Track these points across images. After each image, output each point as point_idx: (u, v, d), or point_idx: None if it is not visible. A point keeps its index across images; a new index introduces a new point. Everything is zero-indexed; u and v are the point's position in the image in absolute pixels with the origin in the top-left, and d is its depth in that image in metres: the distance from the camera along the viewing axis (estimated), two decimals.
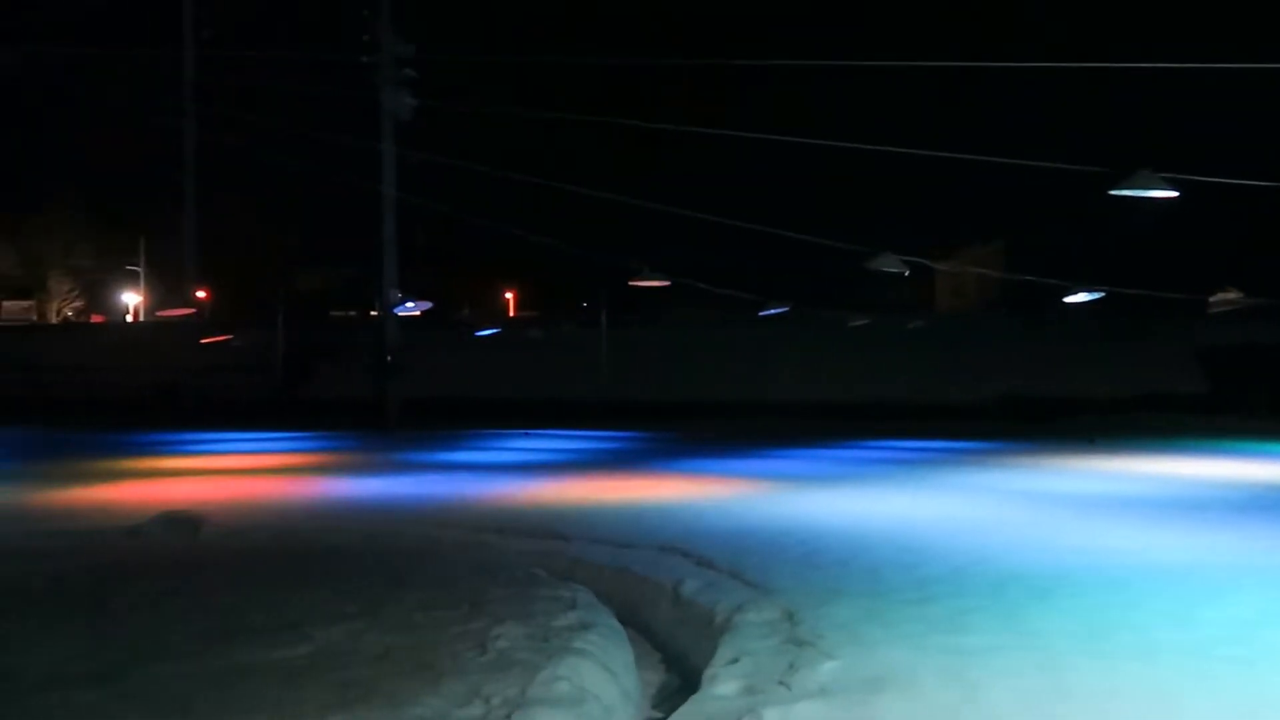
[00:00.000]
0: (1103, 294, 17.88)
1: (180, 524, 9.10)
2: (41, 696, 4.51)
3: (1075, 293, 18.35)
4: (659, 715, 5.42)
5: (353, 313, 51.46)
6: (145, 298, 56.19)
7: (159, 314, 31.89)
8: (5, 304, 61.33)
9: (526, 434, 21.66)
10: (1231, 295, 17.51)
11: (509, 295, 65.04)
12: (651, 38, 56.99)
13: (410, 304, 23.32)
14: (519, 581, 6.96)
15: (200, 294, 52.05)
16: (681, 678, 6.14)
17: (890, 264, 15.70)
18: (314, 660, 5.06)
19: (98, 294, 61.79)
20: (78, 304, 61.49)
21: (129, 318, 58.16)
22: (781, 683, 4.80)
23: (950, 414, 24.59)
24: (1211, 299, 17.58)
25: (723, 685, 4.88)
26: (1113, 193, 11.98)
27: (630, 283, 17.59)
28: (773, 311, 17.91)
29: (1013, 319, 35.15)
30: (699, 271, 18.41)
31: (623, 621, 6.56)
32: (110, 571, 7.13)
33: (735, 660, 5.22)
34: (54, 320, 59.07)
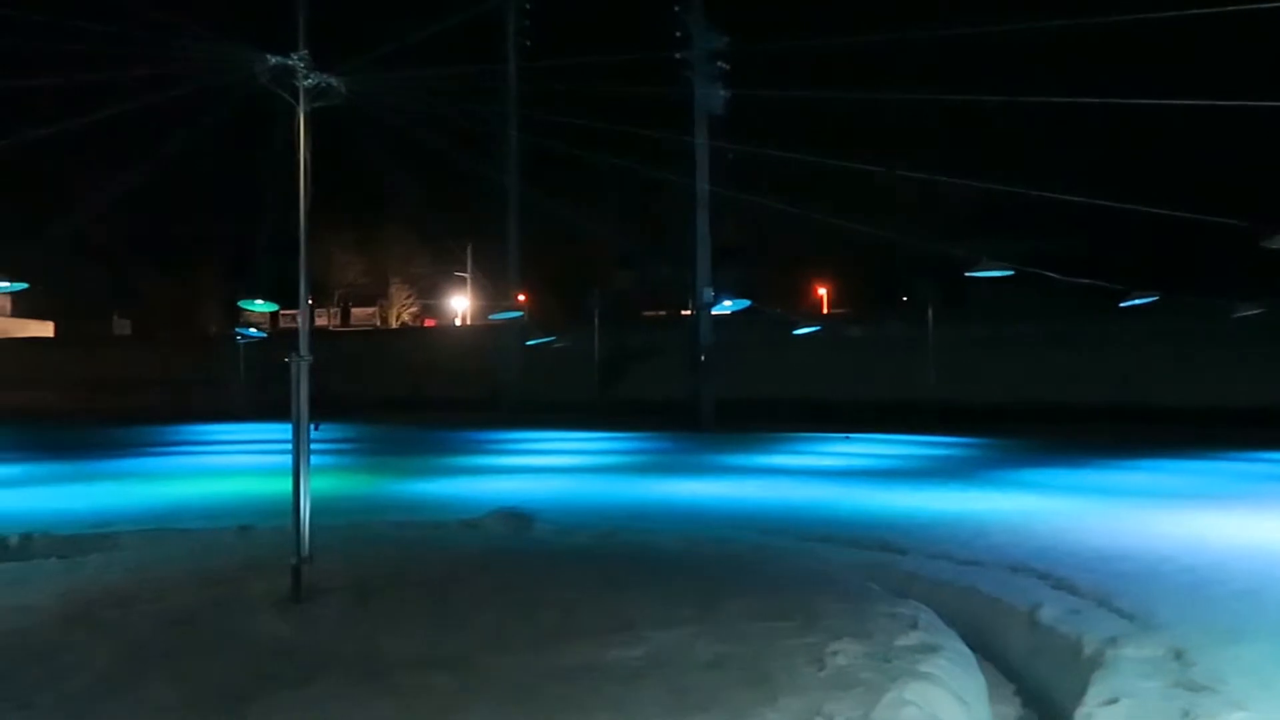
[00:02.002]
0: None
1: (514, 519, 9.76)
2: (401, 677, 4.95)
3: None
4: None
5: (664, 313, 53.30)
6: (472, 302, 61.33)
7: (490, 317, 34.59)
8: (354, 310, 69.34)
9: (847, 437, 21.33)
10: None
11: (822, 291, 64.61)
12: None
13: (726, 302, 23.69)
14: (852, 595, 6.79)
15: (520, 297, 56.08)
16: (1041, 714, 5.72)
17: None
18: (649, 663, 5.19)
19: (431, 299, 68.32)
20: (414, 309, 68.31)
21: (458, 321, 63.72)
22: None
23: None
24: None
25: None
26: None
27: (967, 274, 16.78)
28: (1138, 302, 16.35)
29: None
30: (1043, 259, 17.20)
31: (969, 646, 6.22)
32: (454, 563, 7.75)
33: (1113, 701, 4.76)
34: (394, 325, 65.98)
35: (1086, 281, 15.44)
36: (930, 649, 5.51)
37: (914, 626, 5.95)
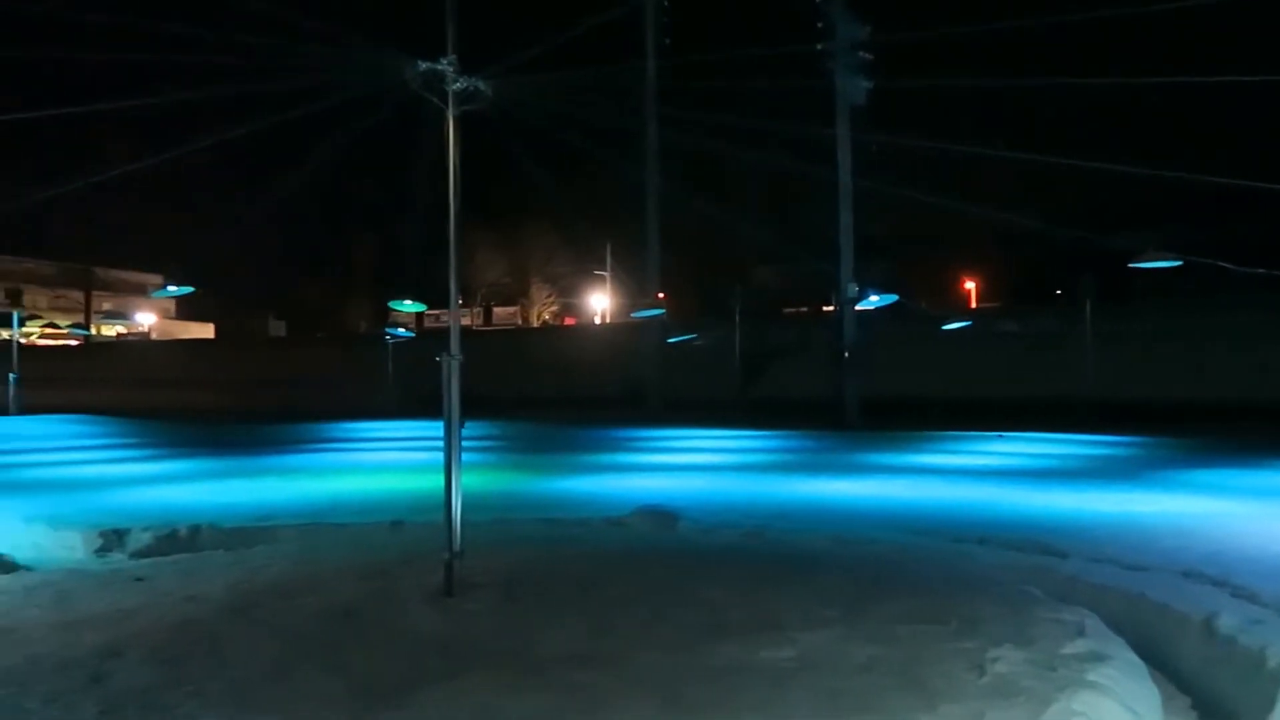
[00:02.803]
0: None
1: (659, 517, 9.83)
2: (550, 673, 5.04)
3: None
4: None
5: (805, 309, 52.74)
6: (612, 300, 62.04)
7: (632, 315, 34.93)
8: (495, 310, 71.11)
9: (1000, 436, 20.67)
10: None
11: (970, 285, 62.77)
12: None
13: (873, 297, 23.27)
14: (1011, 599, 6.58)
15: (659, 294, 56.39)
16: None
17: None
18: (799, 664, 5.15)
19: (570, 297, 69.48)
20: (554, 308, 69.59)
21: (597, 320, 64.55)
22: None
23: None
24: None
25: None
26: None
27: (1131, 264, 15.97)
28: None
29: None
30: (1214, 248, 16.25)
31: (1139, 655, 5.94)
32: (601, 560, 7.86)
33: None
34: (535, 324, 67.35)
35: (1263, 271, 14.50)
36: (1098, 657, 5.29)
37: (1080, 633, 5.73)
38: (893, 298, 23.43)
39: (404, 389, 35.84)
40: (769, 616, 6.00)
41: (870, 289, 23.96)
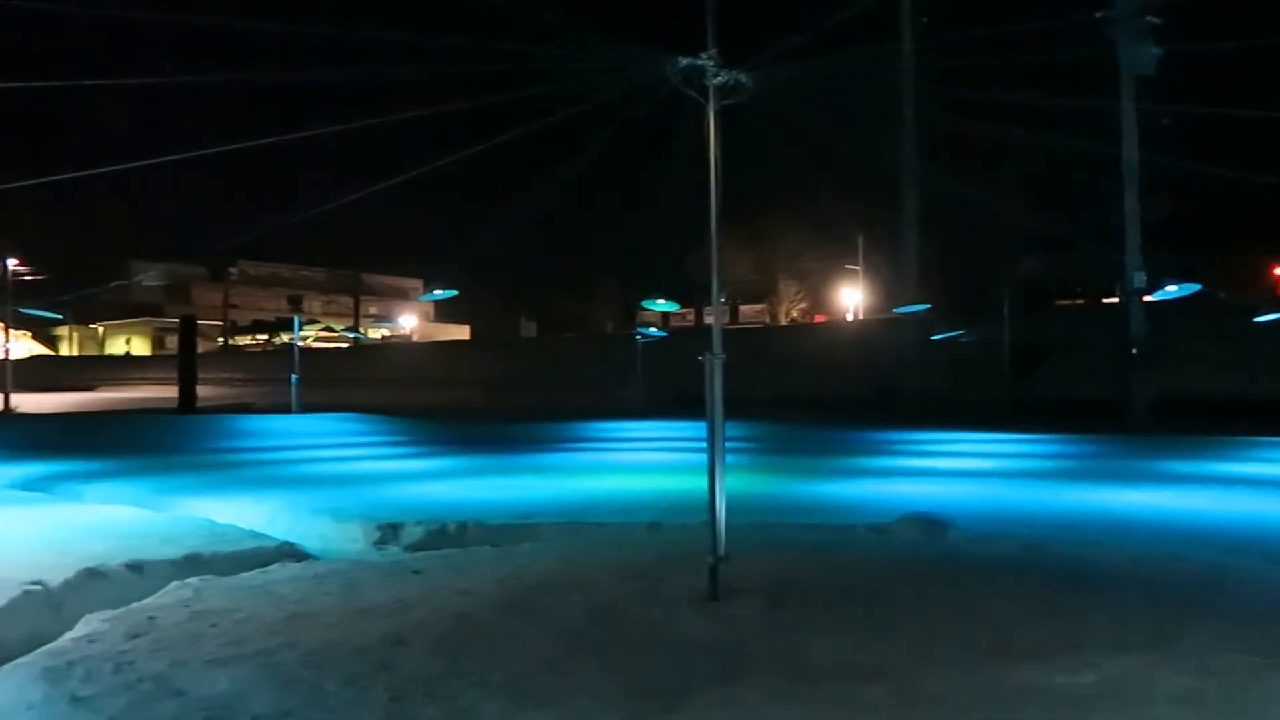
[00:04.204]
0: None
1: (926, 525, 9.54)
2: (826, 684, 4.98)
3: None
4: None
5: (1081, 301, 49.73)
6: (865, 295, 60.87)
7: (894, 310, 34.14)
8: (742, 308, 71.36)
9: None
10: None
11: (1278, 271, 57.14)
12: None
13: (1170, 287, 21.52)
14: None
15: (917, 288, 54.76)
16: None
17: None
18: (1103, 692, 4.83)
19: (819, 294, 68.70)
20: (803, 305, 69.06)
21: (849, 316, 63.52)
22: None
23: None
24: None
25: None
26: None
27: None
28: None
29: None
30: None
31: None
32: (868, 569, 7.70)
33: None
34: (783, 321, 67.09)
35: None
36: None
37: None
38: (1194, 287, 21.49)
39: (652, 388, 36.63)
40: (1064, 637, 5.68)
41: (1166, 279, 22.18)
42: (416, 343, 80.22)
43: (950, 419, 26.42)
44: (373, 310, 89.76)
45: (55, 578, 7.48)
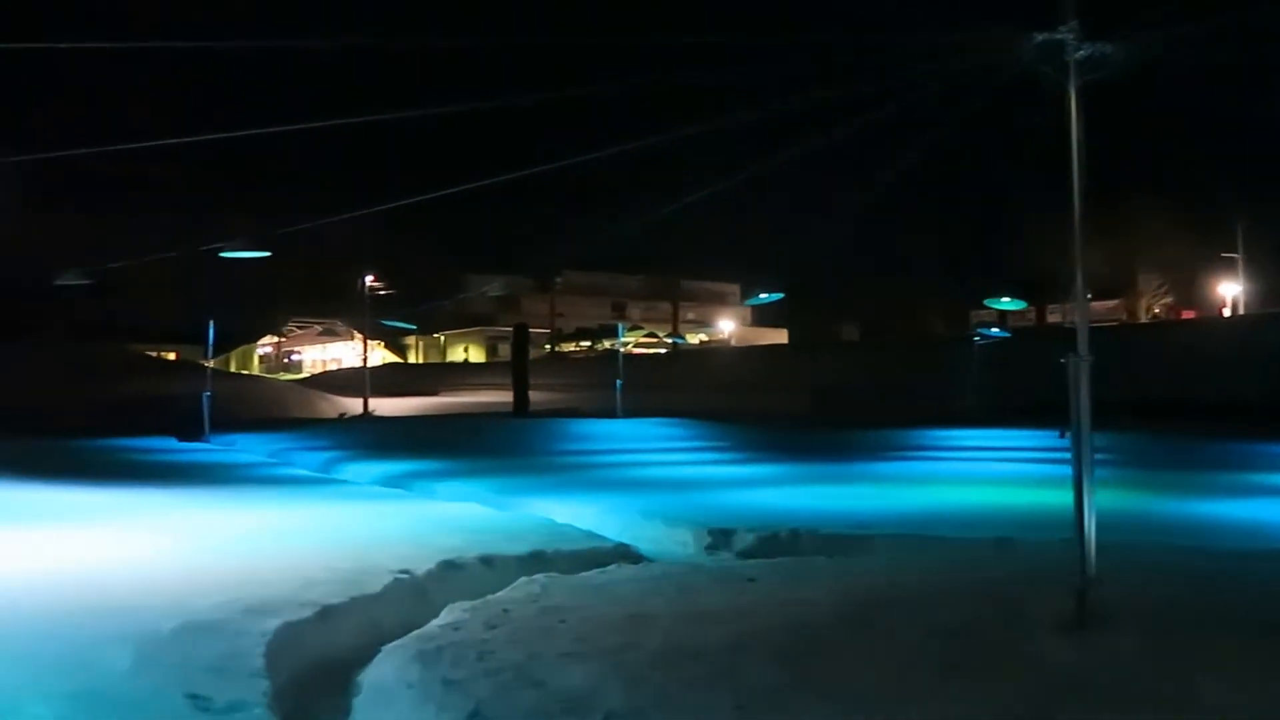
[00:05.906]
0: None
1: None
2: None
3: None
4: None
5: None
6: (1245, 288, 55.51)
7: None
8: (1094, 304, 67.10)
9: None
10: None
11: None
12: None
13: None
14: None
15: None
16: None
17: None
18: None
19: (1187, 287, 63.30)
20: (1166, 299, 63.93)
21: (1226, 312, 58.15)
22: None
23: None
24: None
25: None
26: None
27: None
28: None
29: None
30: None
31: None
32: (1277, 601, 7.07)
33: None
34: (1143, 318, 62.42)
35: None
36: None
37: None
38: None
39: (989, 393, 35.19)
40: None
41: None
42: (736, 347, 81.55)
43: None
44: (690, 315, 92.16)
45: (419, 567, 8.40)
